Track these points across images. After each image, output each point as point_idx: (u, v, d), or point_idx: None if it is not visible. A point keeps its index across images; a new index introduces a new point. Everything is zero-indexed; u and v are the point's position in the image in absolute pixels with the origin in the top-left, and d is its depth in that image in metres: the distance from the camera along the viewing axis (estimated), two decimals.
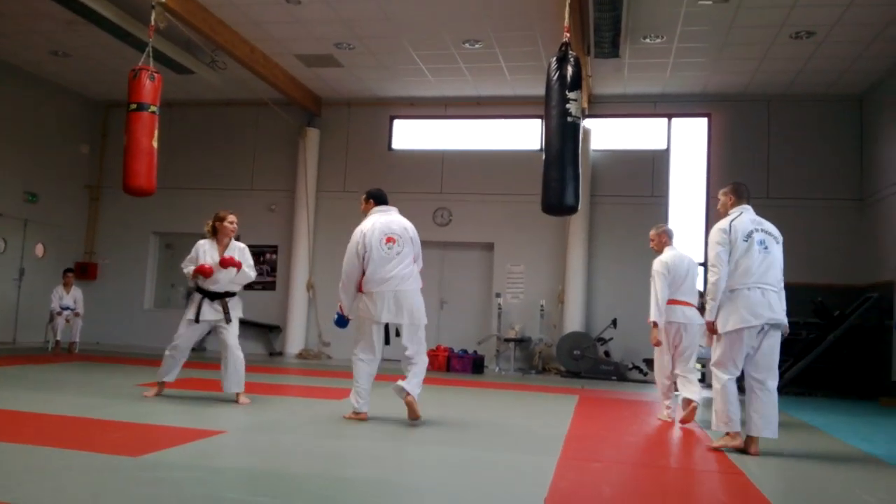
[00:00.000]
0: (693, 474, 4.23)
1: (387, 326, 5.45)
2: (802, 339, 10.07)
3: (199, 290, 6.12)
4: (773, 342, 4.79)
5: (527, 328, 11.82)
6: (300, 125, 12.83)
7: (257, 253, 12.14)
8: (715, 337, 4.91)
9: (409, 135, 13.11)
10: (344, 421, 5.33)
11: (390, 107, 12.99)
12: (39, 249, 12.84)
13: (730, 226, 4.93)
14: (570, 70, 6.97)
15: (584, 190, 7.16)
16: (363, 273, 5.35)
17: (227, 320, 6.07)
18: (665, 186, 12.00)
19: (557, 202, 6.88)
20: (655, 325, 6.07)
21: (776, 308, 4.77)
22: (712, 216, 11.74)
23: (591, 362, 10.95)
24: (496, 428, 5.52)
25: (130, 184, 7.13)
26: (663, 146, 12.14)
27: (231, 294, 6.20)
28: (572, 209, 6.99)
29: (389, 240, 5.37)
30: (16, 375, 7.29)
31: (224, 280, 6.11)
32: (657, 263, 6.38)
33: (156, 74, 7.23)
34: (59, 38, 10.65)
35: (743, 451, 4.69)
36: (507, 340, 11.49)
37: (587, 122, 11.49)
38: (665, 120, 12.22)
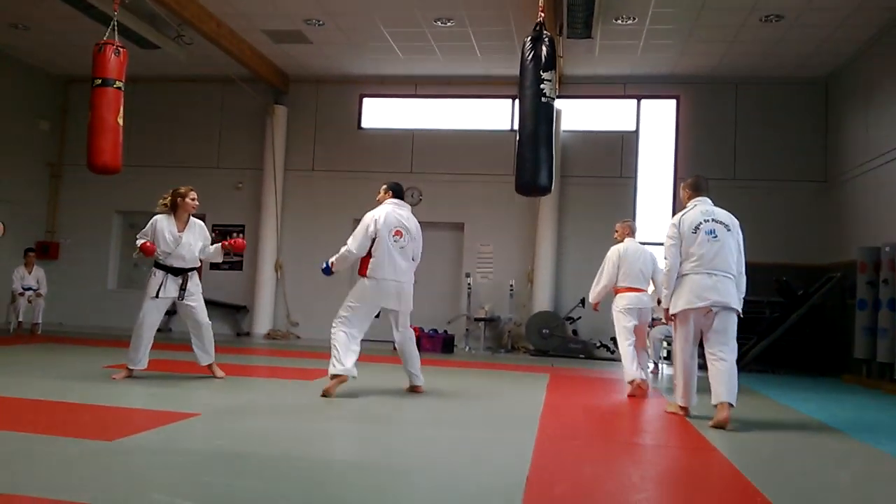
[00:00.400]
0: (668, 450, 4.29)
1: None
2: (766, 317, 10.27)
3: (161, 265, 6.05)
4: (726, 322, 5.02)
5: (496, 308, 11.86)
6: (268, 102, 12.64)
7: (223, 232, 11.99)
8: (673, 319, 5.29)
9: (379, 114, 12.99)
10: (319, 402, 5.29)
11: (360, 85, 12.84)
12: None
13: (679, 220, 5.29)
14: (544, 50, 6.94)
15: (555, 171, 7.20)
16: (367, 255, 5.64)
17: (181, 297, 6.04)
18: (634, 168, 12.09)
19: (531, 182, 6.87)
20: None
21: (724, 292, 5.00)
22: (679, 199, 11.85)
23: (560, 341, 11.04)
24: (470, 407, 5.54)
25: (95, 162, 6.95)
26: (632, 128, 12.21)
27: (193, 269, 6.17)
28: (546, 190, 6.98)
29: (398, 233, 5.71)
30: None
31: (189, 257, 6.09)
32: (611, 251, 7.06)
33: (121, 49, 7.03)
34: (18, 11, 10.29)
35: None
36: (477, 320, 11.53)
37: (558, 103, 11.48)
38: (634, 101, 12.28)
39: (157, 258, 6.06)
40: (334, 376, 5.48)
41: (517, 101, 7.62)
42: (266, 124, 12.67)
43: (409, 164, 12.56)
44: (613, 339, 10.96)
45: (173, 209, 6.18)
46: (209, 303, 6.61)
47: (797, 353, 10.24)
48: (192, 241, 6.14)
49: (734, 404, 4.83)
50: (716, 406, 4.84)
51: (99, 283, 13.19)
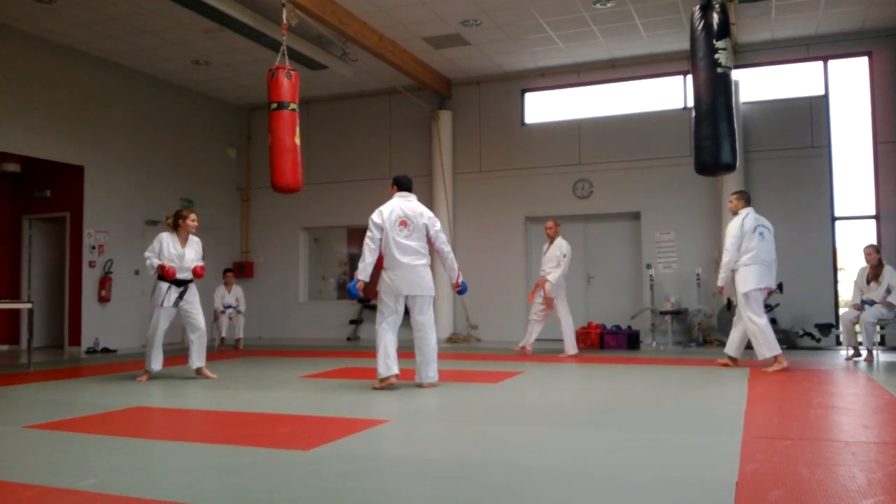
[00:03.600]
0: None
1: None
2: None
3: (163, 278, 6.97)
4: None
5: (683, 299, 11.25)
6: (432, 109, 12.82)
7: None
8: (744, 294, 7.30)
9: (542, 107, 12.78)
10: (503, 405, 5.19)
11: (520, 80, 12.70)
12: None
13: (742, 222, 7.37)
14: (716, 17, 6.50)
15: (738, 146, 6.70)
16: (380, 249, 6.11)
17: (176, 304, 6.98)
18: (826, 135, 11.01)
19: (712, 161, 6.46)
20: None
21: (771, 277, 7.42)
22: (882, 164, 10.69)
23: None
24: (665, 407, 5.20)
25: (278, 182, 7.31)
26: (821, 92, 11.14)
27: (189, 281, 7.11)
28: (730, 167, 6.54)
29: (402, 223, 6.14)
30: (186, 374, 7.67)
31: (187, 271, 7.04)
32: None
33: (292, 72, 7.35)
34: (198, 47, 11.13)
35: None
36: (663, 313, 10.98)
37: (734, 74, 10.74)
38: (821, 63, 11.20)
39: (158, 271, 6.94)
40: (382, 380, 6.00)
41: (689, 77, 7.16)
42: (432, 130, 12.85)
43: (577, 155, 12.24)
44: (818, 326, 10.08)
45: (175, 228, 7.10)
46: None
47: None
48: (192, 256, 7.08)
49: None
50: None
51: (291, 296, 13.97)
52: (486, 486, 3.06)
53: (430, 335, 6.18)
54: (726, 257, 7.36)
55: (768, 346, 7.21)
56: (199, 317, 7.12)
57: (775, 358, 7.23)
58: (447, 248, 6.35)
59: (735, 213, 7.54)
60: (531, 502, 2.85)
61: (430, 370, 6.16)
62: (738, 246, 7.32)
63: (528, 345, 9.57)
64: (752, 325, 7.26)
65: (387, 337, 6.06)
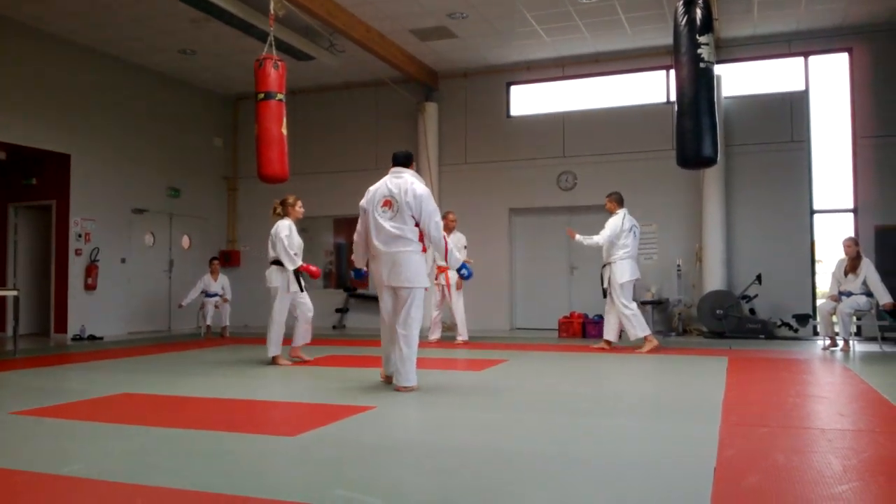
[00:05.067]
0: (873, 436, 3.89)
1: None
2: None
3: (279, 264, 7.21)
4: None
5: (663, 289, 11.42)
6: (418, 101, 12.86)
7: None
8: (620, 285, 8.39)
9: (528, 100, 12.87)
10: (489, 391, 5.28)
11: (506, 73, 12.77)
12: (185, 241, 13.59)
13: (622, 221, 8.46)
14: (699, 13, 6.59)
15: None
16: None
17: (302, 289, 7.20)
18: (806, 130, 11.18)
19: (694, 154, 6.56)
20: None
21: (638, 270, 8.68)
22: (860, 158, 10.87)
23: (736, 321, 10.43)
24: (644, 395, 5.33)
25: (265, 172, 7.34)
26: (801, 87, 11.30)
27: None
28: (711, 161, 6.64)
29: (385, 203, 5.45)
30: (172, 361, 7.72)
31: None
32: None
33: (279, 63, 7.38)
34: (185, 37, 11.11)
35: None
36: (644, 303, 11.11)
37: (717, 69, 10.86)
38: (801, 59, 11.35)
39: (278, 257, 7.14)
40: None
41: (672, 71, 7.29)
42: (418, 122, 12.89)
43: (562, 148, 12.34)
44: (796, 317, 10.26)
45: (285, 214, 7.32)
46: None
47: None
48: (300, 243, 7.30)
49: None
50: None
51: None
52: (471, 472, 3.15)
53: (404, 336, 5.38)
54: (600, 240, 8.49)
55: (640, 327, 8.35)
56: (309, 303, 7.36)
57: (645, 338, 8.35)
58: (436, 234, 5.47)
59: (612, 213, 8.63)
60: (514, 487, 2.94)
61: (399, 377, 5.42)
62: (613, 238, 8.43)
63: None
64: (626, 310, 8.35)
65: (383, 337, 5.74)
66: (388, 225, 5.38)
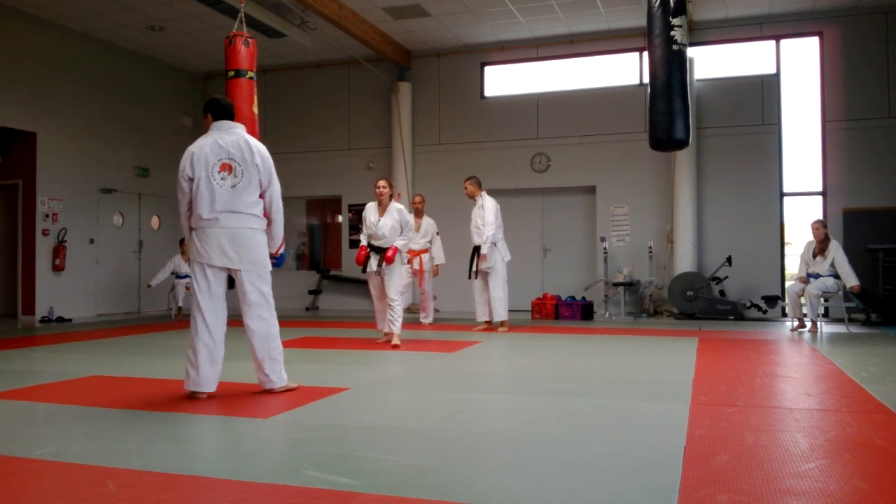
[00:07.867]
0: (839, 415, 3.96)
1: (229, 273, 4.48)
2: None
3: (369, 245, 7.33)
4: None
5: (635, 271, 11.52)
6: (392, 80, 12.76)
7: (359, 212, 12.27)
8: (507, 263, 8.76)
9: (501, 81, 12.84)
10: (461, 374, 5.29)
11: (480, 53, 12.72)
12: (155, 222, 13.41)
13: (494, 204, 8.68)
14: None
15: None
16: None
17: (379, 266, 7.22)
18: (777, 113, 11.30)
19: (666, 137, 6.59)
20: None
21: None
22: (829, 142, 11.00)
23: (706, 303, 10.56)
24: (616, 376, 5.37)
25: None
26: (773, 70, 11.40)
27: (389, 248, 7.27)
28: (683, 143, 6.68)
29: (224, 167, 4.33)
30: (142, 343, 7.63)
31: (390, 238, 7.22)
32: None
33: (250, 40, 7.27)
34: (153, 13, 10.88)
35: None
36: (616, 285, 11.23)
37: (689, 51, 10.92)
38: (773, 43, 11.45)
39: (365, 237, 7.36)
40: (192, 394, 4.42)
41: (646, 54, 7.28)
42: (392, 102, 12.81)
43: (535, 129, 12.34)
44: (765, 298, 10.41)
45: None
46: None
47: None
48: (390, 223, 7.20)
49: None
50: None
51: None
52: (442, 452, 3.15)
53: (272, 327, 4.51)
54: (490, 231, 8.51)
55: (505, 310, 8.77)
56: (391, 285, 7.26)
57: (502, 322, 8.81)
58: (280, 206, 4.55)
59: (472, 198, 8.78)
60: (486, 466, 2.95)
61: (261, 373, 4.54)
62: (497, 223, 8.60)
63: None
64: (500, 292, 8.70)
65: (199, 332, 4.40)
66: (231, 194, 4.32)
